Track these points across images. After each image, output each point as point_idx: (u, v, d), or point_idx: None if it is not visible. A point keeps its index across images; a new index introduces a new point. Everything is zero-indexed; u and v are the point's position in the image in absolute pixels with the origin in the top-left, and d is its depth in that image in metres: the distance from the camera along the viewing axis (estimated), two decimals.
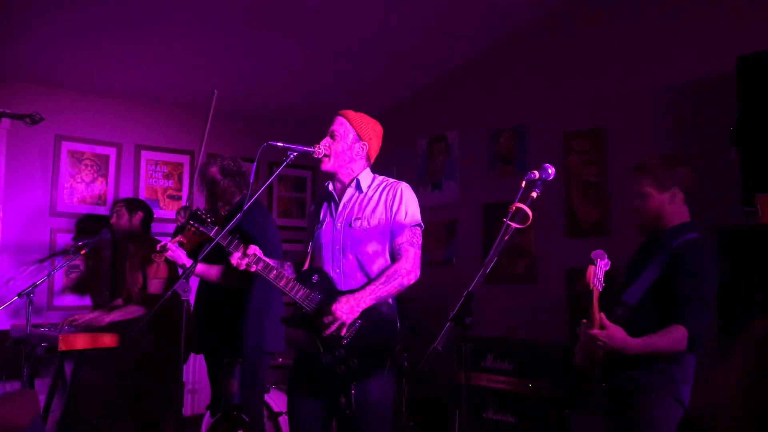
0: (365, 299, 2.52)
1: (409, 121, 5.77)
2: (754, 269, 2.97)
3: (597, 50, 4.40)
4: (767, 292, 2.93)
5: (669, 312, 2.45)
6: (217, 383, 3.74)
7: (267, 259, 2.59)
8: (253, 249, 2.56)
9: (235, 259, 2.52)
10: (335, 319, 2.46)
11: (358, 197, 2.74)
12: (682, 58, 3.90)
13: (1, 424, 1.75)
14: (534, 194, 2.08)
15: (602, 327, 2.34)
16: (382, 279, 2.57)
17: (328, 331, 2.48)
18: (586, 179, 4.38)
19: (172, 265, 4.02)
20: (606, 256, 2.22)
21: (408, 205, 2.68)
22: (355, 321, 2.53)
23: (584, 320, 2.36)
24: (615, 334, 2.33)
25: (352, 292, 2.55)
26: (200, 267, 3.39)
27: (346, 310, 2.47)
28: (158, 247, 3.34)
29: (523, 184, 2.07)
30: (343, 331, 2.51)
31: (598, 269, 2.20)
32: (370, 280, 2.60)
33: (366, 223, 2.65)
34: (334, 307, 2.46)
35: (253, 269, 2.54)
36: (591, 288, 2.20)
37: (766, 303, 2.93)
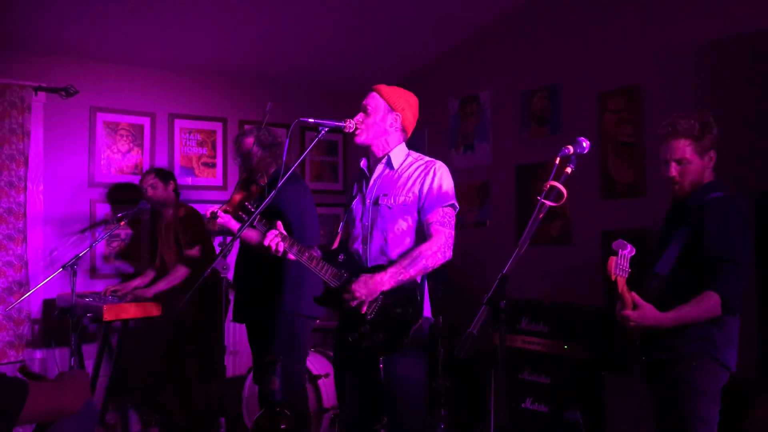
0: (386, 282, 2.51)
1: (441, 82, 5.69)
2: None
3: (633, 4, 4.27)
4: None
5: (701, 277, 2.43)
6: (257, 347, 3.83)
7: (299, 244, 2.71)
8: (286, 238, 2.68)
9: (272, 243, 2.64)
10: (354, 298, 2.51)
11: (388, 173, 2.73)
12: (722, 11, 3.76)
13: (55, 409, 1.83)
14: (569, 170, 2.03)
15: (635, 307, 2.32)
16: (406, 261, 2.55)
17: (349, 307, 2.53)
18: (622, 139, 4.29)
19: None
20: (629, 244, 2.18)
21: (441, 183, 2.64)
22: (377, 297, 2.55)
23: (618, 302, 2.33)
24: (647, 313, 2.31)
25: (376, 269, 2.57)
26: (247, 231, 3.49)
27: (365, 291, 2.51)
28: (208, 214, 3.43)
29: (557, 161, 2.04)
30: (364, 309, 2.55)
31: (621, 258, 2.16)
32: (393, 261, 2.60)
33: (392, 201, 2.65)
34: (353, 286, 2.52)
35: (280, 252, 2.66)
36: (613, 279, 2.18)
37: None
